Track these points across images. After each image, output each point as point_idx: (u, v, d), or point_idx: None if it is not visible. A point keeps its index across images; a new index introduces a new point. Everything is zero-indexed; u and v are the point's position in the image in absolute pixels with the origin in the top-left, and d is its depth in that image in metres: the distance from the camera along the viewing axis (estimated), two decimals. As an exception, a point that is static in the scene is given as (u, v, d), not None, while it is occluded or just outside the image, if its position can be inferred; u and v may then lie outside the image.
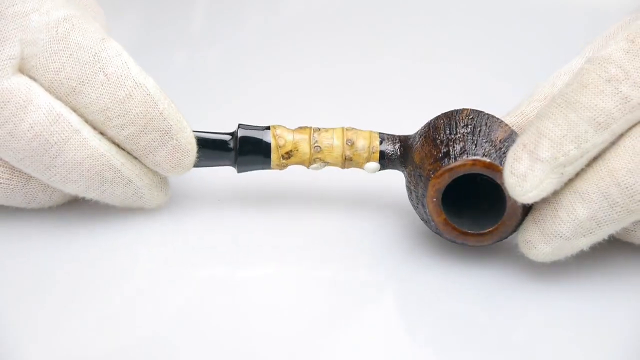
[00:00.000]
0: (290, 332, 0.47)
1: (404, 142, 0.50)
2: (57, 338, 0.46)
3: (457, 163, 0.47)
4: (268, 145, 0.50)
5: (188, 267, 0.51)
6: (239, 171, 0.51)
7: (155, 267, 0.50)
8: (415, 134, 0.50)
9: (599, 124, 0.45)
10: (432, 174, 0.47)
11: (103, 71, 0.48)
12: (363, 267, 0.50)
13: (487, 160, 0.47)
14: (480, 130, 0.48)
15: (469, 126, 0.48)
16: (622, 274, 0.50)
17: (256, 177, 0.55)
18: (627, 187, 0.45)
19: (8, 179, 0.50)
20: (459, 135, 0.48)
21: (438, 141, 0.48)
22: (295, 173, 0.54)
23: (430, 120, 0.50)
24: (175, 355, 0.46)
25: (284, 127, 0.50)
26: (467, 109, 0.49)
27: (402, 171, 0.50)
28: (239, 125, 0.51)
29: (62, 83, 0.49)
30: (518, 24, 0.72)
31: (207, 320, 0.48)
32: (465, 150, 0.47)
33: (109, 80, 0.48)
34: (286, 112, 0.62)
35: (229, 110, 0.62)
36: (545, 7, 0.73)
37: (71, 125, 0.49)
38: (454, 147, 0.47)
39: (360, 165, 0.50)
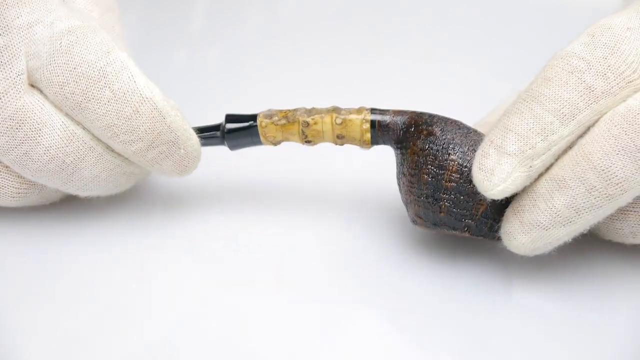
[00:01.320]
0: (288, 333, 0.47)
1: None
2: (57, 339, 0.46)
3: None
4: (258, 142, 0.51)
5: (188, 268, 0.51)
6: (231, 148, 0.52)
7: (155, 269, 0.51)
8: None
9: (565, 115, 0.45)
10: None
11: (109, 87, 0.48)
12: (357, 269, 0.50)
13: None
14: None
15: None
16: (610, 274, 0.50)
17: (256, 179, 0.55)
18: (603, 170, 0.45)
19: (26, 189, 0.50)
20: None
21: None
22: (294, 176, 0.54)
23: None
24: (175, 355, 0.46)
25: (272, 122, 0.50)
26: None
27: (394, 146, 0.50)
28: (227, 120, 0.51)
29: (66, 97, 0.48)
30: (518, 24, 0.72)
31: (206, 322, 0.48)
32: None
33: (115, 97, 0.48)
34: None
35: (229, 110, 0.62)
36: (546, 7, 0.73)
37: (85, 143, 0.49)
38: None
39: (355, 142, 0.50)
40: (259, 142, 0.51)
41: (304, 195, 0.55)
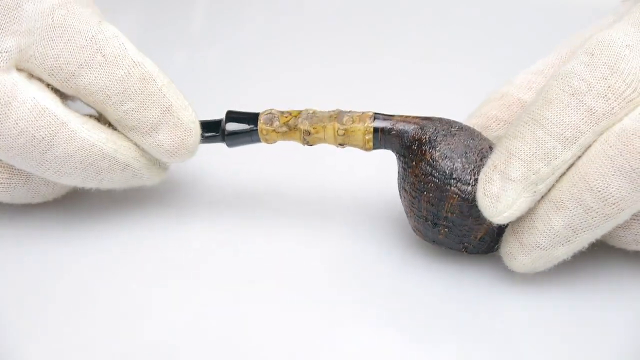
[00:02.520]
0: (288, 333, 0.47)
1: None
2: (57, 340, 0.46)
3: None
4: (258, 141, 0.51)
5: (188, 269, 0.51)
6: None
7: (156, 269, 0.51)
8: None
9: (567, 139, 0.46)
10: None
11: (101, 52, 0.49)
12: (357, 269, 0.50)
13: None
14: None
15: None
16: (612, 273, 0.50)
17: (256, 179, 0.55)
18: (599, 191, 0.45)
19: (8, 178, 0.50)
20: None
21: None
22: (294, 176, 0.54)
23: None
24: (176, 356, 0.46)
25: (273, 129, 0.50)
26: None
27: (396, 151, 0.49)
28: (227, 118, 0.51)
29: (61, 69, 0.49)
30: (519, 24, 0.72)
31: (206, 322, 0.48)
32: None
33: (107, 61, 0.49)
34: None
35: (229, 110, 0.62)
36: (546, 7, 0.73)
37: (57, 118, 0.48)
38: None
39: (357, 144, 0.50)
40: (258, 142, 0.51)
41: (304, 196, 0.54)
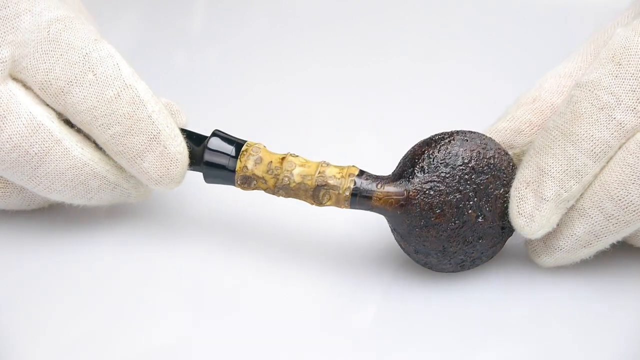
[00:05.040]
0: (280, 343, 0.47)
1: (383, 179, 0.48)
2: (56, 345, 0.46)
3: None
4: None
5: (186, 276, 0.51)
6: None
7: (155, 273, 0.51)
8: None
9: (597, 155, 0.46)
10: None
11: (92, 71, 0.48)
12: (352, 281, 0.50)
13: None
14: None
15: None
16: (613, 272, 0.50)
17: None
18: (620, 200, 0.46)
19: (3, 187, 0.50)
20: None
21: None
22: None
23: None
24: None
25: (250, 188, 0.49)
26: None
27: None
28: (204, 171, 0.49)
29: (51, 84, 0.48)
30: (519, 24, 0.72)
31: (203, 330, 0.48)
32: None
33: (97, 80, 0.48)
34: (286, 113, 0.62)
35: (229, 110, 0.62)
36: (547, 7, 0.73)
37: (52, 135, 0.48)
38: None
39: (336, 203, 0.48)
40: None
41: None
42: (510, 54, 0.68)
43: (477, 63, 0.68)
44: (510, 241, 0.50)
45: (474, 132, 0.48)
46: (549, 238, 0.48)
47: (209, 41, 0.70)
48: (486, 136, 0.48)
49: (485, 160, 0.47)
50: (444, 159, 0.47)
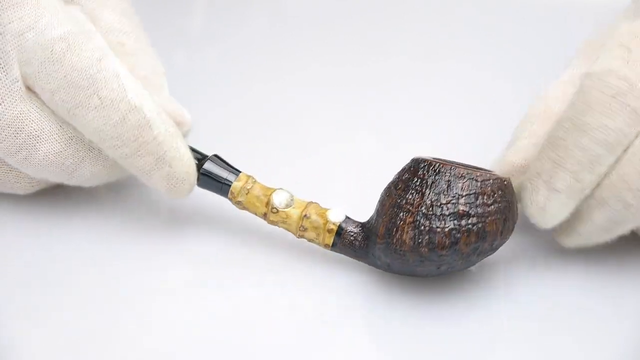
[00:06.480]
0: (283, 335, 0.47)
1: (365, 226, 0.48)
2: (53, 339, 0.46)
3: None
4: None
5: (185, 269, 0.51)
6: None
7: (153, 269, 0.51)
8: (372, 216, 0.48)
9: (611, 144, 0.45)
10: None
11: (97, 94, 0.47)
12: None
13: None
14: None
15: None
16: (612, 272, 0.50)
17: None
18: (638, 190, 0.45)
19: (39, 180, 0.51)
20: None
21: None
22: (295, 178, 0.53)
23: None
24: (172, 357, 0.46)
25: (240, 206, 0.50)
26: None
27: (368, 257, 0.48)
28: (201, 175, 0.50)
29: (57, 105, 0.48)
30: (519, 24, 0.72)
31: (201, 326, 0.48)
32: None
33: (102, 104, 0.48)
34: (286, 113, 0.62)
35: (229, 110, 0.62)
36: (547, 7, 0.73)
37: (84, 145, 0.49)
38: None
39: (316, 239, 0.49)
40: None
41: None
42: (510, 54, 0.68)
43: (477, 63, 0.68)
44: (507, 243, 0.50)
45: None
46: (570, 223, 0.48)
47: (208, 41, 0.70)
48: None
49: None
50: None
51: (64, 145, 0.49)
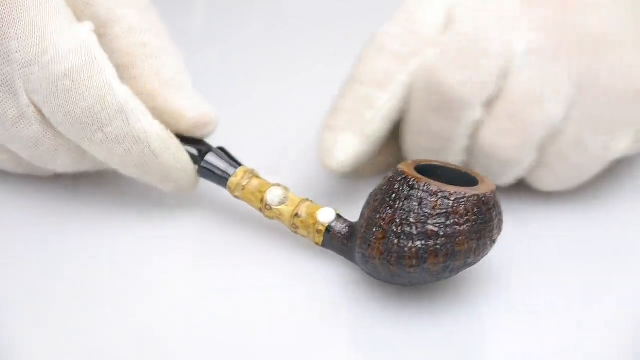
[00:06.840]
0: (281, 336, 0.47)
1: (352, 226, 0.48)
2: (52, 336, 0.47)
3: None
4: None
5: (182, 261, 0.51)
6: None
7: (150, 262, 0.51)
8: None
9: (381, 82, 0.51)
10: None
11: (102, 130, 0.48)
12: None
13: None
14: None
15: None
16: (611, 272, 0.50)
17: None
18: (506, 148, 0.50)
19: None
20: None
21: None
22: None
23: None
24: (169, 350, 0.46)
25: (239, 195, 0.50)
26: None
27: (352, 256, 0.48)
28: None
29: (64, 133, 0.49)
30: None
31: (197, 317, 0.48)
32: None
33: (107, 139, 0.48)
34: (286, 112, 0.62)
35: (229, 110, 0.62)
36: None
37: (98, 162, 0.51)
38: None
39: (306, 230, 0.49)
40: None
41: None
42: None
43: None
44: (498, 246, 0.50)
45: None
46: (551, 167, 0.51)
47: (209, 41, 0.70)
48: None
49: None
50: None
51: (80, 159, 0.51)
